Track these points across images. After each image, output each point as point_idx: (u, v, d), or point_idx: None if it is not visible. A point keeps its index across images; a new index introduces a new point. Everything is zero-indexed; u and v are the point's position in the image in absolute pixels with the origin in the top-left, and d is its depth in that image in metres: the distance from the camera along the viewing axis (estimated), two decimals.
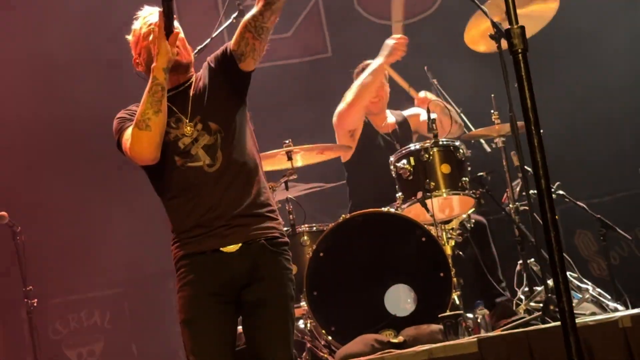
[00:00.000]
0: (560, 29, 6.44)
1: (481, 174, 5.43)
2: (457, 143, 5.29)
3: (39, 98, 7.52)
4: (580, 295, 5.31)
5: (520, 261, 5.47)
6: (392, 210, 5.16)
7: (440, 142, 5.21)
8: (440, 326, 4.60)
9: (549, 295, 4.75)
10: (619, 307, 5.36)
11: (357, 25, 7.92)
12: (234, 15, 4.94)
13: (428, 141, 5.21)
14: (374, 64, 5.84)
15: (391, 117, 6.14)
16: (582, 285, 5.43)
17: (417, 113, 6.12)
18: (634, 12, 7.60)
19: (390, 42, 5.84)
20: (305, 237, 5.28)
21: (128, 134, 3.43)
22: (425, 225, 4.99)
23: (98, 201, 7.56)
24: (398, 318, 4.82)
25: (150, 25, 3.53)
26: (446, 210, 5.33)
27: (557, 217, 2.44)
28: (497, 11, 5.24)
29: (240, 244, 3.42)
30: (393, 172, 5.29)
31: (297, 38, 8.15)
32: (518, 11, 2.55)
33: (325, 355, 4.97)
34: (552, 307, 4.67)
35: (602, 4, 7.56)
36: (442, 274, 4.87)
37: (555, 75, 7.50)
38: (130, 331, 7.71)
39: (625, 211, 7.05)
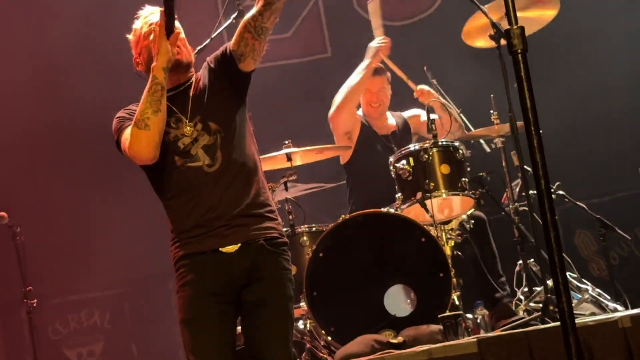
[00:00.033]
0: (560, 28, 6.43)
1: (481, 174, 5.43)
2: (457, 143, 5.30)
3: (39, 98, 7.53)
4: (580, 296, 5.31)
5: (520, 261, 5.47)
6: (392, 210, 5.16)
7: (440, 143, 5.21)
8: (440, 326, 4.60)
9: (549, 295, 4.75)
10: (619, 307, 5.36)
11: (357, 26, 7.92)
12: (234, 15, 4.93)
13: (427, 142, 5.21)
14: (361, 66, 5.91)
15: (391, 118, 6.15)
16: (582, 286, 5.43)
17: (418, 114, 6.12)
18: (633, 12, 7.60)
19: (374, 44, 5.94)
20: (305, 238, 5.28)
21: (127, 133, 3.44)
22: (425, 226, 4.99)
23: (98, 201, 7.56)
24: (398, 318, 4.83)
25: (151, 24, 3.53)
26: (445, 211, 5.33)
27: (556, 217, 2.44)
28: (499, 12, 5.24)
29: (239, 244, 3.43)
30: (392, 173, 5.30)
31: (296, 38, 8.15)
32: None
33: (325, 356, 4.97)
34: (551, 308, 4.67)
35: (602, 4, 7.56)
36: (441, 275, 4.87)
37: (555, 75, 7.50)
38: (130, 331, 7.72)
39: (625, 211, 7.05)
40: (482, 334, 4.73)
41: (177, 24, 3.44)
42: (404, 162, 5.21)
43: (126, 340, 7.69)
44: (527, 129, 2.45)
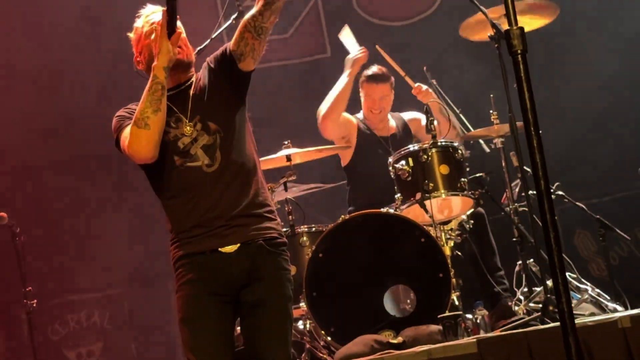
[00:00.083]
0: (559, 29, 6.43)
1: (480, 174, 5.43)
2: (456, 144, 5.30)
3: (39, 98, 7.52)
4: (580, 296, 5.31)
5: (520, 262, 5.47)
6: (391, 211, 5.16)
7: (439, 143, 5.21)
8: (440, 327, 4.60)
9: (548, 295, 4.75)
10: (618, 307, 5.36)
11: (357, 26, 7.91)
12: (234, 16, 4.93)
13: (427, 142, 5.21)
14: (342, 78, 5.94)
15: (391, 120, 6.14)
16: (582, 286, 5.43)
17: (418, 118, 6.11)
18: (633, 12, 7.60)
19: (351, 56, 6.01)
20: (305, 238, 5.28)
21: (127, 132, 3.44)
22: (425, 226, 5.00)
23: (98, 201, 7.56)
24: (397, 319, 4.83)
25: (152, 24, 3.54)
26: (445, 211, 5.33)
27: (556, 217, 2.44)
28: (499, 12, 5.25)
29: (238, 244, 3.43)
30: (392, 173, 5.30)
31: (296, 38, 8.15)
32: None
33: (325, 356, 4.97)
34: (551, 308, 4.67)
35: (601, 4, 7.56)
36: (441, 275, 4.87)
37: (555, 76, 7.50)
38: (130, 331, 7.71)
39: (624, 211, 7.04)
40: (482, 334, 4.74)
41: (178, 23, 3.45)
42: (403, 162, 5.21)
43: (126, 341, 7.68)
44: (527, 130, 2.45)
